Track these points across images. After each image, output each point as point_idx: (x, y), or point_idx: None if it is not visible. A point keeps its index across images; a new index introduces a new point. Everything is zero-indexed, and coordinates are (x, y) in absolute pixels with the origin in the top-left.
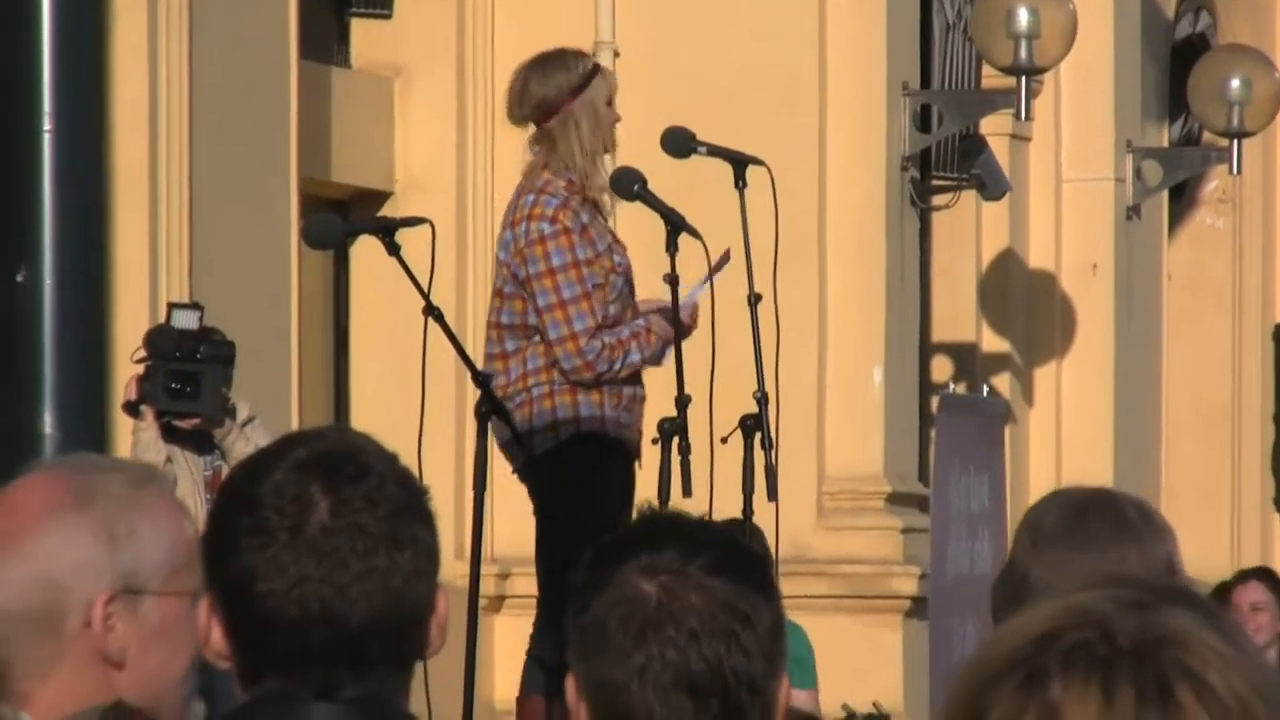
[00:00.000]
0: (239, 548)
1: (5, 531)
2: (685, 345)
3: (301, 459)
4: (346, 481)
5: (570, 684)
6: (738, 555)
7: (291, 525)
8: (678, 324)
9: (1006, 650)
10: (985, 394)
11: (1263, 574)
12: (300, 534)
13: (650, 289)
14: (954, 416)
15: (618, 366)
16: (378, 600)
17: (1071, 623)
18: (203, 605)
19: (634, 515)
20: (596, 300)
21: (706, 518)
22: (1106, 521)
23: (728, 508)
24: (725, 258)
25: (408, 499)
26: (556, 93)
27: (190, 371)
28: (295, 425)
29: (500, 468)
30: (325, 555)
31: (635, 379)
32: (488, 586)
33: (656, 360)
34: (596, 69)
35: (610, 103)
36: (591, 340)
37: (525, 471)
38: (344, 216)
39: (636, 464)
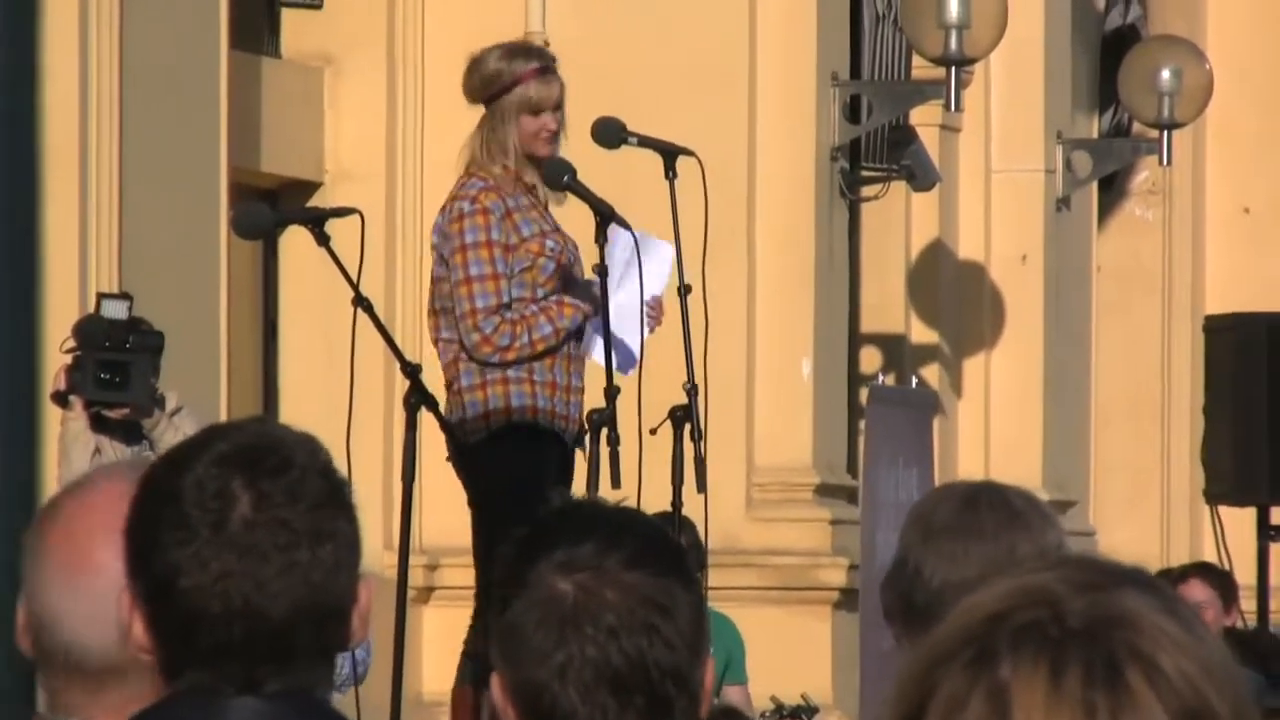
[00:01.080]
0: (161, 543)
1: (72, 544)
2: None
3: (223, 452)
4: (268, 475)
5: (495, 683)
6: (655, 545)
7: (213, 521)
8: (606, 308)
9: (957, 628)
10: (915, 385)
11: (1203, 570)
12: (222, 529)
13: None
14: (884, 408)
15: (524, 340)
16: (299, 594)
17: (1023, 602)
18: (124, 599)
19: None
20: (516, 281)
21: (623, 505)
22: (996, 510)
23: (657, 499)
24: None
25: (330, 492)
26: (475, 87)
27: (119, 361)
28: (224, 415)
29: (429, 459)
30: (247, 550)
31: (572, 369)
32: (416, 577)
33: (573, 329)
34: (531, 74)
35: (538, 112)
36: (490, 316)
37: (457, 461)
38: (273, 206)
39: (579, 453)
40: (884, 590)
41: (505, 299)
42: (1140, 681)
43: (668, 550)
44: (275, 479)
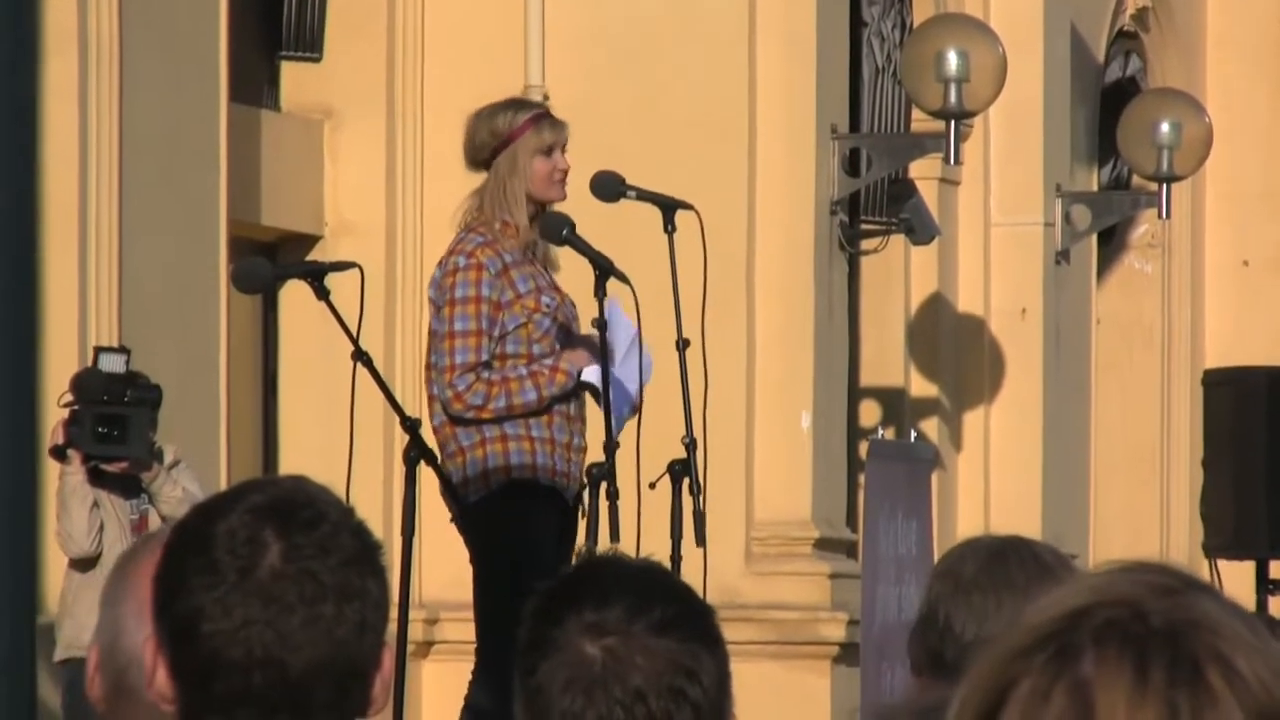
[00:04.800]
0: (188, 587)
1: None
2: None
3: (257, 503)
4: (300, 528)
5: None
6: (683, 608)
7: (241, 567)
8: (604, 360)
9: (1037, 623)
10: (914, 439)
11: None
12: (249, 576)
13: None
14: (883, 462)
15: (500, 404)
16: (322, 649)
17: (1104, 600)
18: (149, 644)
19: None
20: (511, 338)
21: (648, 561)
22: (1026, 564)
23: (656, 553)
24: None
25: (361, 551)
26: (481, 144)
27: (117, 415)
28: (224, 469)
29: (429, 513)
30: (272, 600)
31: (573, 429)
32: (416, 632)
33: (562, 394)
34: (533, 120)
35: (549, 153)
36: (466, 373)
37: (459, 520)
38: (273, 260)
39: (578, 511)
40: (912, 644)
41: (484, 357)
42: (1220, 682)
43: (695, 613)
44: (307, 532)
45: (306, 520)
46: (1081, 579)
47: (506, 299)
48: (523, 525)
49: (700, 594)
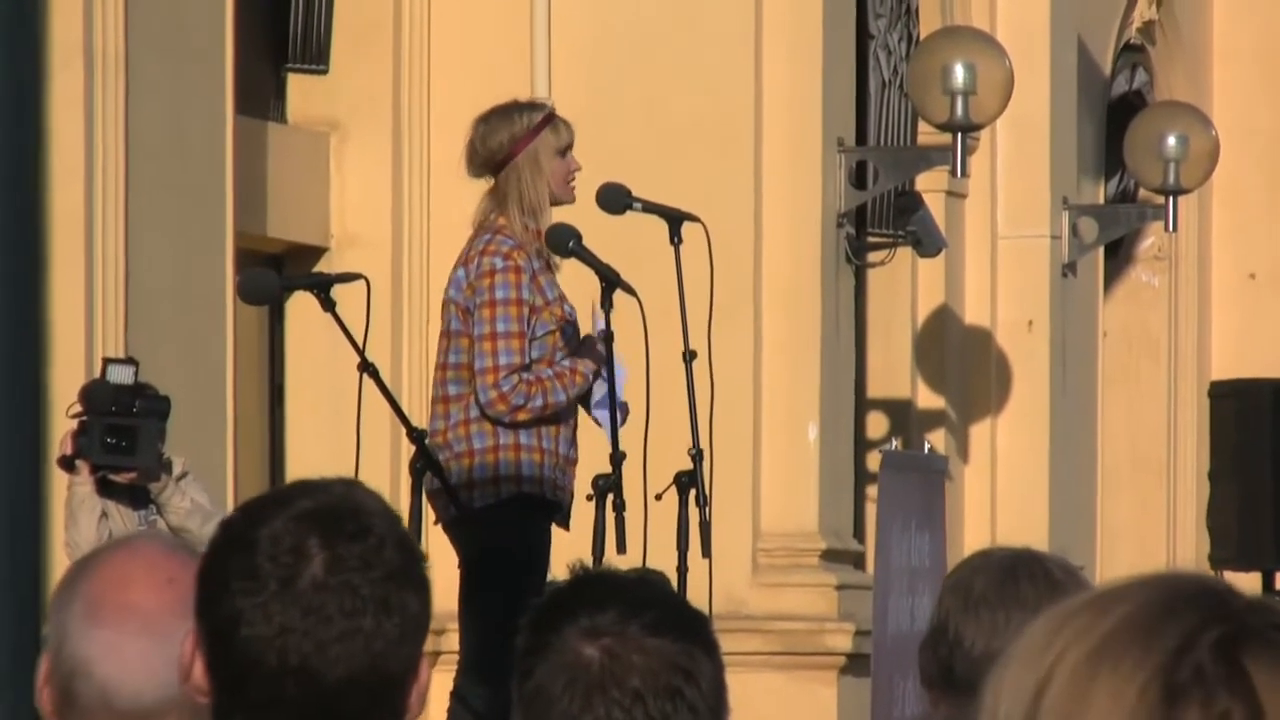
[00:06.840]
0: (230, 590)
1: (105, 587)
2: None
3: (304, 510)
4: (345, 539)
5: None
6: (677, 612)
7: (284, 576)
8: (611, 363)
9: (1154, 668)
10: (926, 451)
11: None
12: (291, 586)
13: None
14: (896, 473)
15: (537, 404)
16: (358, 661)
17: (1194, 609)
18: (188, 639)
19: (567, 574)
20: (537, 344)
21: (640, 570)
22: (1037, 581)
23: (662, 564)
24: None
25: (404, 564)
26: (499, 147)
27: (126, 426)
28: (231, 481)
29: (436, 524)
30: (312, 610)
31: (570, 441)
32: None
33: (580, 396)
34: (547, 120)
35: (564, 153)
36: (510, 375)
37: (456, 523)
38: (279, 272)
39: (561, 527)
40: (922, 654)
41: (526, 359)
42: None
43: (690, 617)
44: (352, 544)
45: (352, 532)
46: (1129, 596)
47: (537, 304)
48: (526, 536)
49: (706, 605)
